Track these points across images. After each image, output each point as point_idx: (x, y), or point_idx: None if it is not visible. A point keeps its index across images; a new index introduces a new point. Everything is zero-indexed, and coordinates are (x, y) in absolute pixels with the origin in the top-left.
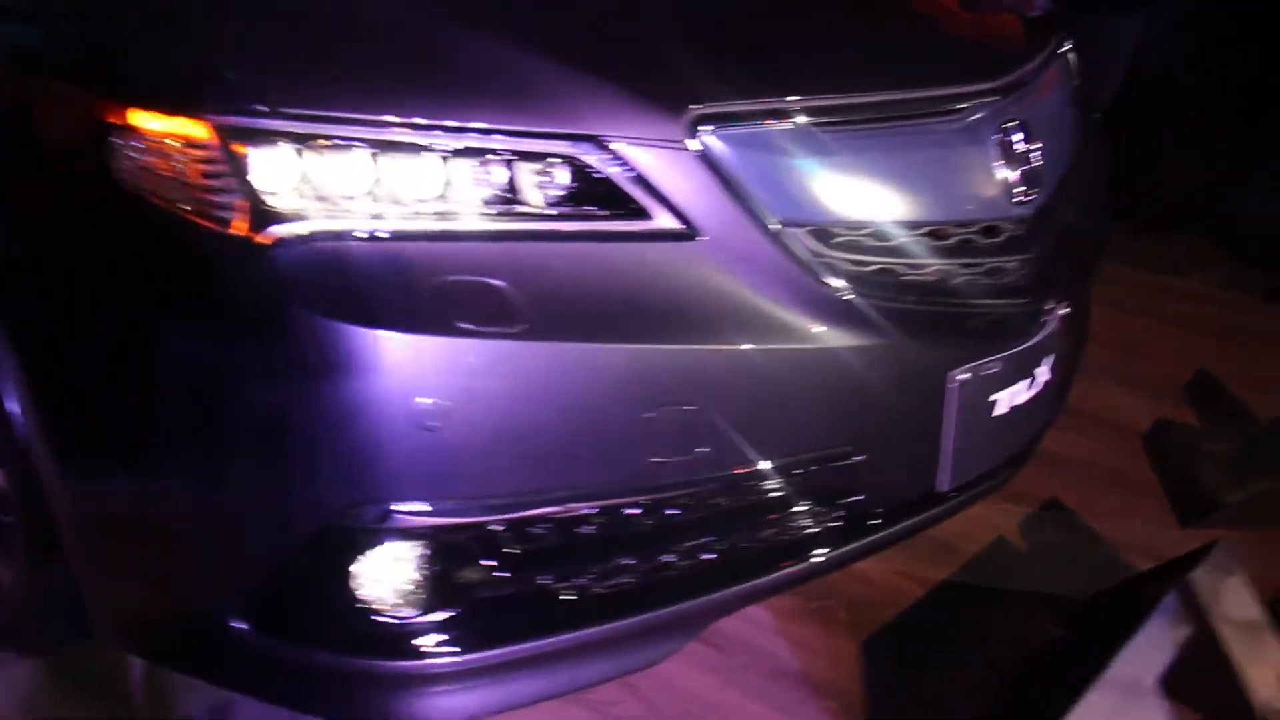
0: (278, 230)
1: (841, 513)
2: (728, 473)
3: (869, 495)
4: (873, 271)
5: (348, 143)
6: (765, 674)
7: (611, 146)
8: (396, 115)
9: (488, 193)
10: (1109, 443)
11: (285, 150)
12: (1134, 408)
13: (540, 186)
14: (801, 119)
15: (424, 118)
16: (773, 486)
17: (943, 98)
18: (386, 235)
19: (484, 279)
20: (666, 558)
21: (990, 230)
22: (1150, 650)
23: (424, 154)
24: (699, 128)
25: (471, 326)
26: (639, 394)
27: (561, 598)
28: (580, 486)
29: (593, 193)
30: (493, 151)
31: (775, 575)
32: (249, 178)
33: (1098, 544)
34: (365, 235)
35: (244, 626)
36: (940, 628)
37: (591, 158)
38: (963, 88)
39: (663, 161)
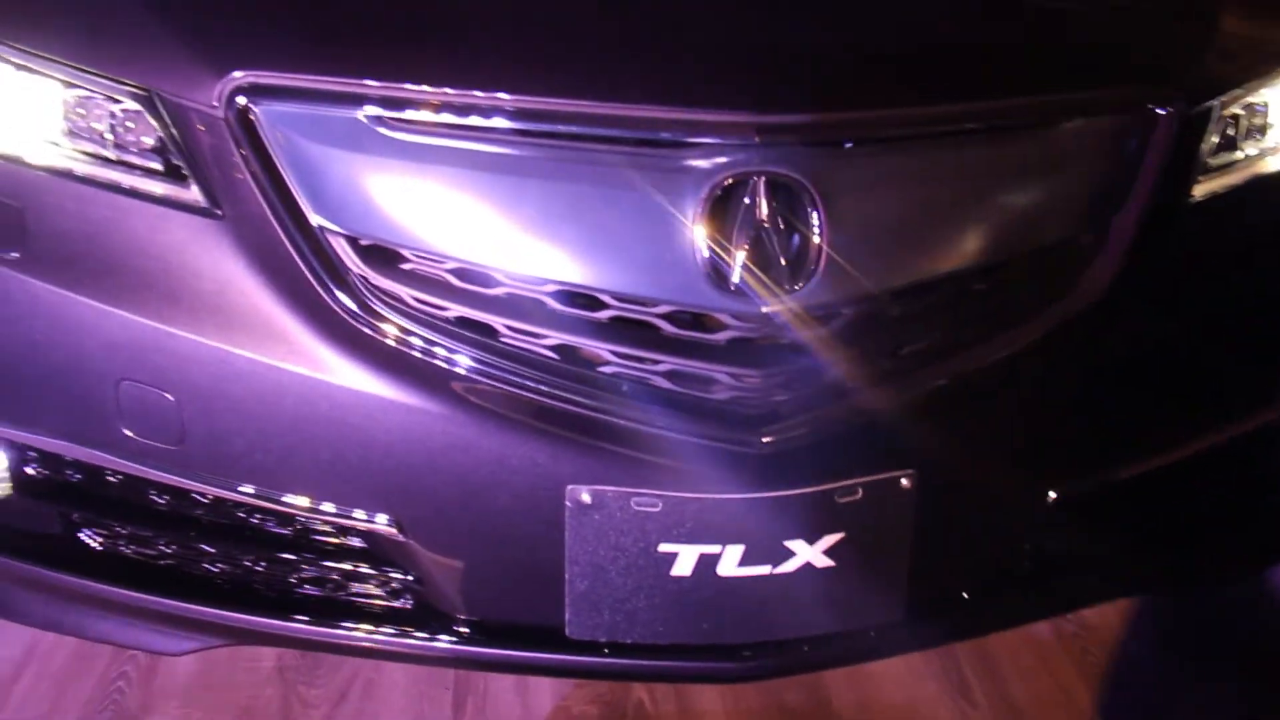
0: None
1: (401, 594)
2: (209, 481)
3: (432, 586)
4: (454, 319)
5: None
6: None
7: (153, 99)
8: None
9: (18, 115)
10: None
11: None
12: None
13: (74, 124)
14: (370, 110)
15: None
16: (275, 518)
17: (619, 118)
18: None
19: None
20: (169, 545)
21: (695, 322)
22: None
23: None
24: (239, 96)
25: None
26: (111, 357)
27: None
28: (51, 427)
29: (126, 143)
30: (31, 72)
31: (318, 629)
32: None
33: None
34: None
35: None
36: None
37: (131, 106)
38: (671, 111)
39: (197, 127)
